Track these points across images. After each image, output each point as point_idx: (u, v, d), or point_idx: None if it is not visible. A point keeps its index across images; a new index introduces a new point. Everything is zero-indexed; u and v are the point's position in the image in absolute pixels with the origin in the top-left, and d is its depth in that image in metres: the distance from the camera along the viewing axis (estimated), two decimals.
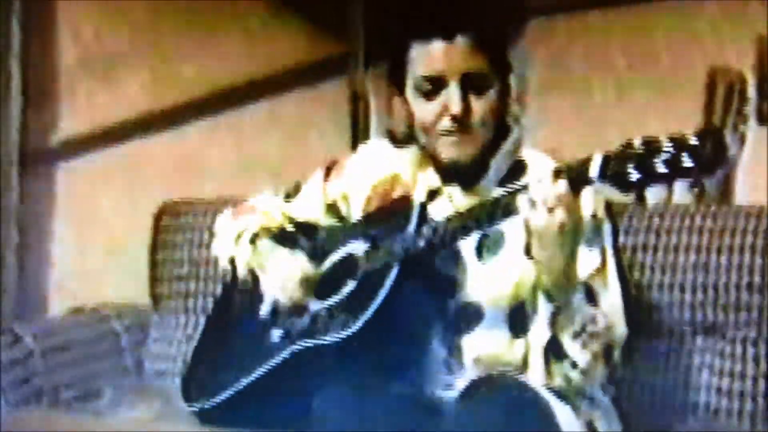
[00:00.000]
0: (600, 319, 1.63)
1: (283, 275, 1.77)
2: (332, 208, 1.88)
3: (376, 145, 1.90)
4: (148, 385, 2.31)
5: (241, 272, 1.87)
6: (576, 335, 1.61)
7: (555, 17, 2.83)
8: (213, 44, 2.83)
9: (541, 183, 1.52)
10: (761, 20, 2.59)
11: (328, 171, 1.90)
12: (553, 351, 1.63)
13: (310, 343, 1.69)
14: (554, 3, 2.83)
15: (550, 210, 1.51)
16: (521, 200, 1.53)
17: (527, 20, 2.78)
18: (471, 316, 1.71)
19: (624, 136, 1.49)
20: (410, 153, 1.80)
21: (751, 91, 2.60)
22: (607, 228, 1.71)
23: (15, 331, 2.22)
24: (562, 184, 1.51)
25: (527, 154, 1.77)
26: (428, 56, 1.68)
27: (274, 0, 2.88)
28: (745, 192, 2.57)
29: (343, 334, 1.64)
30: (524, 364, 1.68)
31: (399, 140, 1.81)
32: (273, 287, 1.79)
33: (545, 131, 2.53)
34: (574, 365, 1.63)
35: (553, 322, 1.62)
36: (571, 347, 1.62)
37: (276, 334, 1.76)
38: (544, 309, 1.62)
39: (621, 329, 1.67)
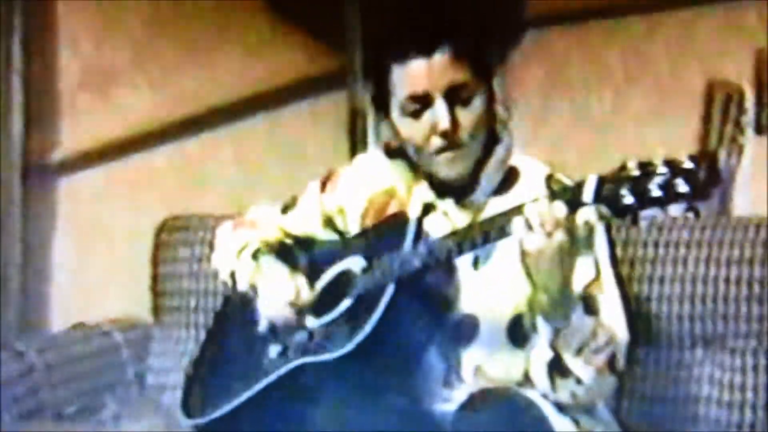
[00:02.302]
0: (600, 332, 1.62)
1: (274, 296, 1.76)
2: (329, 222, 1.88)
3: (371, 156, 1.89)
4: (149, 399, 2.31)
5: (242, 286, 1.87)
6: (578, 352, 1.60)
7: (553, 29, 2.83)
8: (213, 59, 2.83)
9: (538, 204, 1.50)
10: (759, 32, 2.59)
11: (324, 183, 1.90)
12: (557, 369, 1.62)
13: (307, 360, 1.68)
14: (552, 14, 2.83)
15: (549, 234, 1.49)
16: (516, 223, 1.51)
17: (523, 32, 2.78)
18: (469, 329, 1.70)
19: (622, 147, 1.49)
20: (405, 166, 1.79)
21: (749, 102, 2.60)
22: (599, 232, 1.69)
23: (17, 346, 2.23)
24: (560, 206, 1.49)
25: (519, 160, 1.76)
26: (409, 76, 1.66)
27: (273, 15, 2.89)
28: (744, 202, 2.57)
29: (340, 351, 1.63)
30: (526, 377, 1.67)
31: (394, 152, 1.80)
32: (266, 307, 1.78)
33: (543, 143, 2.54)
34: (578, 382, 1.62)
35: (554, 341, 1.61)
36: (575, 365, 1.61)
37: (274, 350, 1.76)
38: (543, 329, 1.61)
39: (623, 335, 1.66)
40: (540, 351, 1.63)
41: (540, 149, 1.84)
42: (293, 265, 1.83)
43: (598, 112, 2.79)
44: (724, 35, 2.65)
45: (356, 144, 2.90)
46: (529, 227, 1.50)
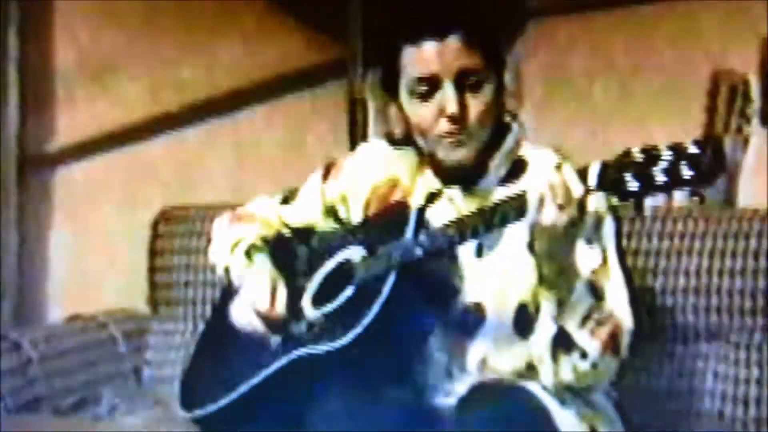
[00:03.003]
0: (605, 307, 1.62)
1: (246, 304, 1.75)
2: (331, 211, 1.86)
3: (375, 145, 1.87)
4: (146, 392, 2.31)
5: (236, 282, 1.85)
6: (583, 322, 1.60)
7: (556, 18, 2.82)
8: (211, 49, 2.83)
9: (549, 178, 1.49)
10: (764, 22, 2.57)
11: (327, 171, 1.88)
12: (562, 343, 1.61)
13: (306, 351, 1.67)
14: (556, 4, 2.81)
15: (560, 207, 1.48)
16: (530, 199, 1.50)
17: (527, 20, 2.77)
18: (474, 319, 1.69)
19: (627, 138, 1.48)
20: (409, 155, 1.78)
21: (755, 93, 2.58)
22: (608, 222, 1.69)
23: (14, 337, 2.22)
24: (577, 184, 1.47)
25: (529, 151, 1.75)
26: (420, 58, 1.66)
27: (272, 4, 2.88)
28: (749, 194, 2.55)
29: (340, 343, 1.62)
30: (529, 368, 1.66)
31: (397, 141, 1.80)
32: (236, 314, 1.77)
33: (547, 134, 2.51)
34: (584, 355, 1.61)
35: (558, 313, 1.59)
36: (580, 336, 1.60)
37: (273, 342, 1.74)
38: (547, 302, 1.60)
39: (628, 323, 1.65)
40: (544, 328, 1.61)
41: (543, 139, 1.82)
42: (291, 258, 1.81)
43: (602, 102, 2.78)
44: (730, 25, 2.63)
45: (356, 134, 2.88)
46: (541, 202, 1.49)
